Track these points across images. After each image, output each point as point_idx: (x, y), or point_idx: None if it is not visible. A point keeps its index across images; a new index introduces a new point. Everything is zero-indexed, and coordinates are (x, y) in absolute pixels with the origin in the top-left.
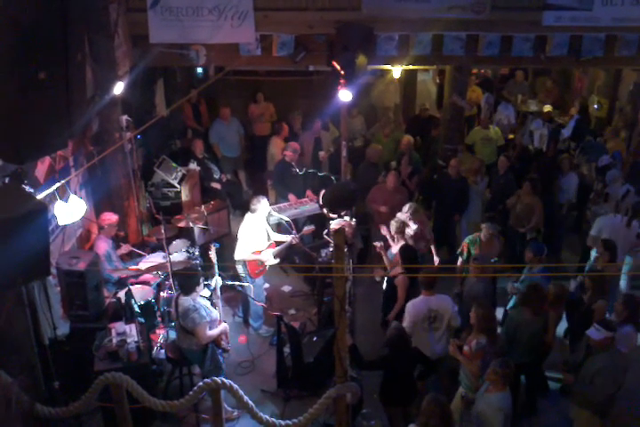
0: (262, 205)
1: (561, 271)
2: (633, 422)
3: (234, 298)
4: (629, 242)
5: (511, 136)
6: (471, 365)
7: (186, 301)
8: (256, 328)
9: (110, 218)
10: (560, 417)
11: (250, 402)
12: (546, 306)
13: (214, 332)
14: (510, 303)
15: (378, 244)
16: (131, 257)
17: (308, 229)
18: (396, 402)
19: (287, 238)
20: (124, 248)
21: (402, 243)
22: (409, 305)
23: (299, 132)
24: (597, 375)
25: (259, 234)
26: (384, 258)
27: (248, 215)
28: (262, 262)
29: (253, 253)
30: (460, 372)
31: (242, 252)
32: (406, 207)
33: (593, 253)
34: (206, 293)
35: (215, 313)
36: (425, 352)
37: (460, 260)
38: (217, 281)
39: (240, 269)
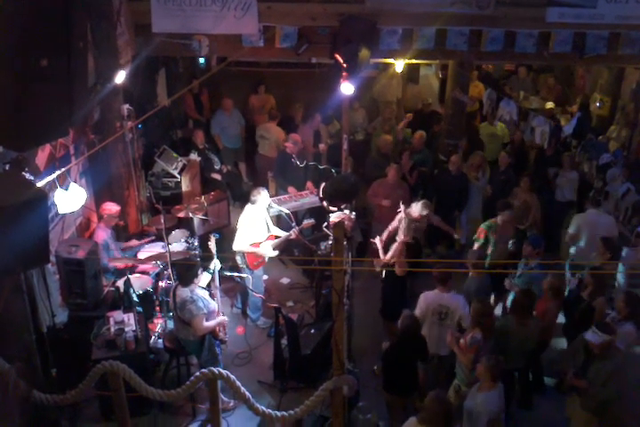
0: (262, 197)
1: (558, 268)
2: (630, 419)
3: (232, 289)
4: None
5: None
6: (464, 357)
7: (184, 292)
8: (254, 320)
9: (111, 209)
10: (555, 413)
11: (246, 393)
12: (541, 307)
13: (211, 324)
14: (509, 299)
15: (377, 240)
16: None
17: (307, 222)
18: (398, 392)
19: (285, 234)
20: (134, 243)
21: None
22: (421, 296)
23: (299, 125)
24: (611, 378)
25: (258, 225)
26: (380, 253)
27: (248, 206)
28: (261, 254)
29: (252, 244)
30: (456, 364)
31: (240, 243)
32: (419, 207)
33: (572, 251)
34: (207, 277)
35: (213, 304)
36: (430, 346)
37: (476, 245)
38: (216, 265)
39: (239, 260)
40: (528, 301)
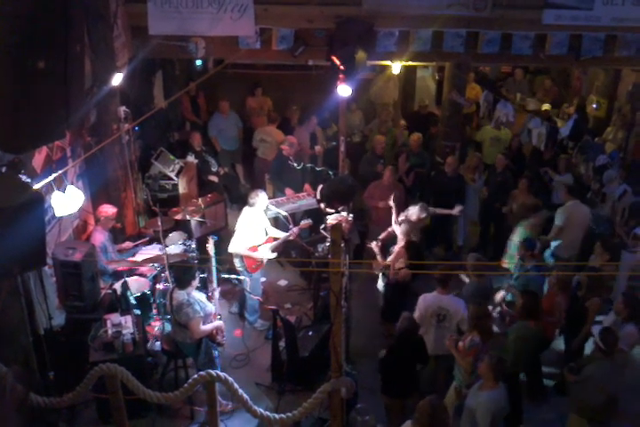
0: (260, 199)
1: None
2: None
3: (230, 291)
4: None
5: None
6: (464, 361)
7: (180, 295)
8: (251, 322)
9: (107, 211)
10: (553, 414)
11: (244, 395)
12: (548, 303)
13: (207, 327)
14: (507, 301)
15: (374, 245)
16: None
17: (305, 222)
18: (396, 394)
19: (285, 235)
20: (127, 244)
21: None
22: (420, 298)
23: (295, 127)
24: (588, 381)
25: (256, 228)
26: (378, 257)
27: (246, 209)
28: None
29: (250, 248)
30: (455, 367)
31: (237, 245)
32: (417, 210)
33: (553, 244)
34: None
35: (210, 307)
36: (428, 348)
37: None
38: (216, 292)
39: (237, 263)
40: (533, 301)
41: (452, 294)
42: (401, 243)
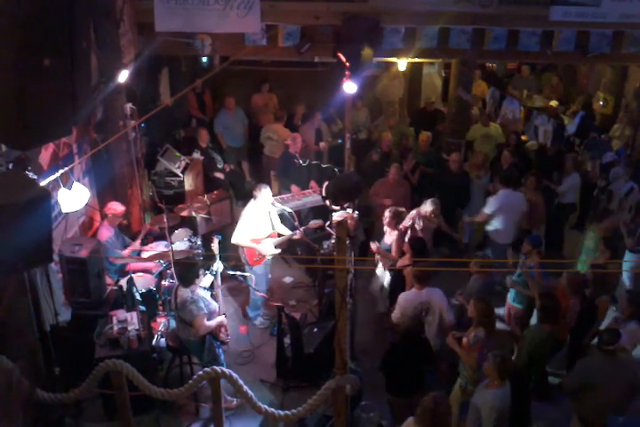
0: (263, 194)
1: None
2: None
3: (236, 288)
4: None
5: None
6: (468, 357)
7: (184, 292)
8: (252, 318)
9: (116, 208)
10: (558, 412)
11: (249, 392)
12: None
13: (211, 323)
14: (510, 297)
15: (374, 246)
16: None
17: (315, 222)
18: (400, 392)
19: (291, 233)
20: (134, 245)
21: (395, 233)
22: (401, 297)
23: (300, 123)
24: (573, 372)
25: (259, 221)
26: (382, 257)
27: (251, 202)
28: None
29: (253, 240)
30: (460, 364)
31: (239, 236)
32: (427, 204)
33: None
34: (209, 279)
35: (214, 305)
36: None
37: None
38: (218, 266)
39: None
40: (552, 303)
41: (428, 287)
42: (393, 233)
